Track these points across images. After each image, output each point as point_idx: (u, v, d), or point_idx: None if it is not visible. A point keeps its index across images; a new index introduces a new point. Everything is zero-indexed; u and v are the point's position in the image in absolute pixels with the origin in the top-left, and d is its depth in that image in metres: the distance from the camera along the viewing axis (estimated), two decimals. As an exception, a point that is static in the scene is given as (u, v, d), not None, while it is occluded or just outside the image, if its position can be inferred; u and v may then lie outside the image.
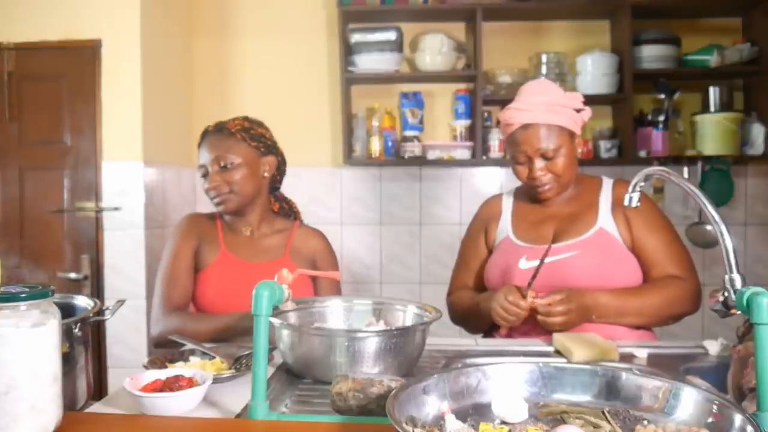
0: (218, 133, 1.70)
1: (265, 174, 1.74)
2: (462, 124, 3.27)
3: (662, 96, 3.06)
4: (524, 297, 1.49)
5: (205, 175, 1.69)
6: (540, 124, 1.59)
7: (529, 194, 1.74)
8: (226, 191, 1.66)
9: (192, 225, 1.73)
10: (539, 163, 1.61)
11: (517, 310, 1.49)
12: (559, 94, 1.63)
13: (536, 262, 1.56)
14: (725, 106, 3.09)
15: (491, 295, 1.59)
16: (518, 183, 1.76)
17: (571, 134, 1.63)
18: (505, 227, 1.75)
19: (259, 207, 1.75)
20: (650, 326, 1.61)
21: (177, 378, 1.02)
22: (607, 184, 1.71)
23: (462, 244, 1.87)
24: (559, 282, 1.54)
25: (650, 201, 1.69)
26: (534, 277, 1.51)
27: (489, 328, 1.68)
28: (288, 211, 1.89)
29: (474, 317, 1.69)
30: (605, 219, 1.63)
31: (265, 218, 1.77)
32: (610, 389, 0.90)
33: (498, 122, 3.20)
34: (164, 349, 1.58)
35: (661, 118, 3.06)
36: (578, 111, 1.65)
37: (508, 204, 1.80)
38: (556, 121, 1.59)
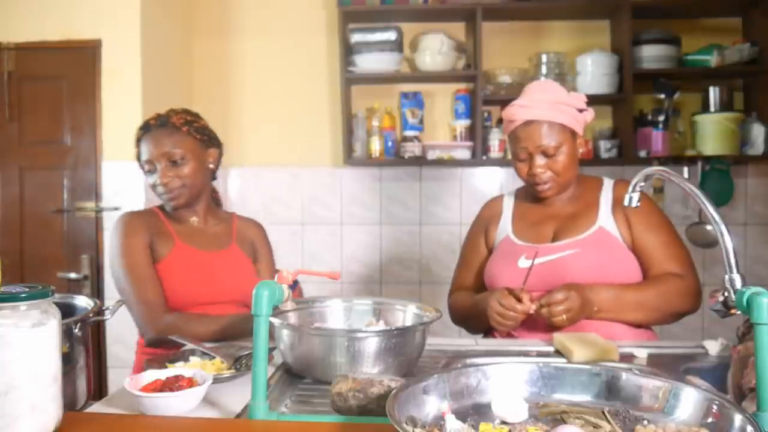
0: (162, 127, 1.68)
1: (211, 166, 1.76)
2: (462, 124, 3.27)
3: (662, 96, 3.06)
4: (518, 299, 1.49)
5: (150, 171, 1.68)
6: (542, 121, 1.60)
7: (530, 194, 1.74)
8: (178, 186, 1.66)
9: (137, 222, 1.69)
10: (540, 160, 1.62)
11: (513, 315, 1.49)
12: (562, 94, 1.64)
13: (532, 261, 1.56)
14: (725, 106, 3.09)
15: (486, 297, 1.59)
16: (519, 183, 1.76)
17: (573, 133, 1.64)
18: (505, 227, 1.75)
19: (205, 198, 1.77)
20: (650, 323, 1.61)
21: (177, 378, 1.02)
22: (608, 184, 1.71)
23: (463, 245, 1.88)
24: (559, 280, 1.54)
25: (650, 200, 1.69)
26: (525, 280, 1.51)
27: (489, 329, 1.68)
28: (217, 200, 1.88)
29: (472, 318, 1.69)
30: (605, 218, 1.63)
31: (209, 209, 1.79)
32: (610, 389, 0.90)
33: (499, 122, 3.22)
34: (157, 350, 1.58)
35: (661, 118, 3.06)
36: (581, 111, 1.66)
37: (509, 204, 1.80)
38: (559, 119, 1.60)
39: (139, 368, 1.68)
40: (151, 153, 1.66)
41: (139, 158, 1.72)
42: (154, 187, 1.68)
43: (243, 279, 1.70)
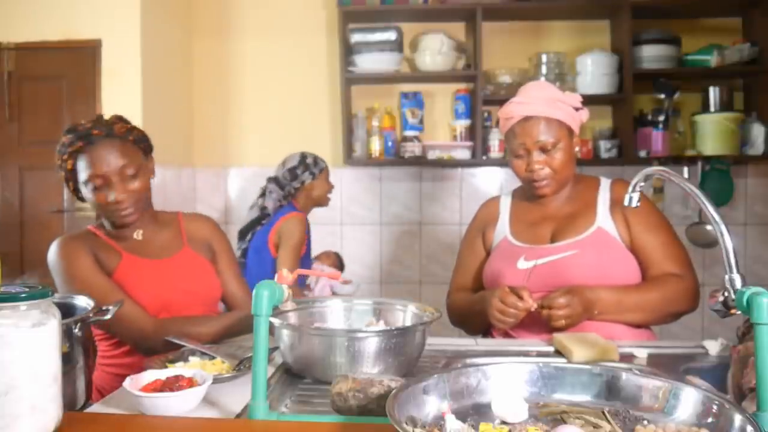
0: (108, 138, 1.50)
1: (152, 176, 1.62)
2: (462, 124, 3.27)
3: (662, 96, 3.06)
4: (519, 296, 1.49)
5: (100, 187, 1.50)
6: (539, 117, 1.60)
7: (527, 194, 1.74)
8: (133, 202, 1.52)
9: (75, 243, 1.54)
10: (538, 156, 1.62)
11: (514, 312, 1.48)
12: (558, 92, 1.66)
13: (534, 262, 1.56)
14: (725, 106, 3.09)
15: (484, 296, 1.59)
16: (518, 183, 1.76)
17: (570, 131, 1.64)
18: (503, 228, 1.75)
19: (149, 209, 1.64)
20: (649, 323, 1.61)
21: (177, 378, 1.02)
22: (605, 183, 1.71)
23: (460, 247, 1.87)
24: (558, 281, 1.54)
25: (648, 200, 1.69)
26: (527, 279, 1.51)
27: (487, 329, 1.68)
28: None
29: (471, 318, 1.70)
30: (604, 218, 1.63)
31: (152, 216, 1.65)
32: (610, 389, 0.90)
33: (498, 122, 3.22)
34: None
35: (661, 118, 3.06)
36: (577, 110, 1.66)
37: (506, 205, 1.80)
38: (555, 115, 1.60)
39: (103, 383, 1.58)
40: (101, 168, 1.48)
41: (73, 172, 1.53)
42: (106, 205, 1.51)
43: (202, 281, 1.62)
